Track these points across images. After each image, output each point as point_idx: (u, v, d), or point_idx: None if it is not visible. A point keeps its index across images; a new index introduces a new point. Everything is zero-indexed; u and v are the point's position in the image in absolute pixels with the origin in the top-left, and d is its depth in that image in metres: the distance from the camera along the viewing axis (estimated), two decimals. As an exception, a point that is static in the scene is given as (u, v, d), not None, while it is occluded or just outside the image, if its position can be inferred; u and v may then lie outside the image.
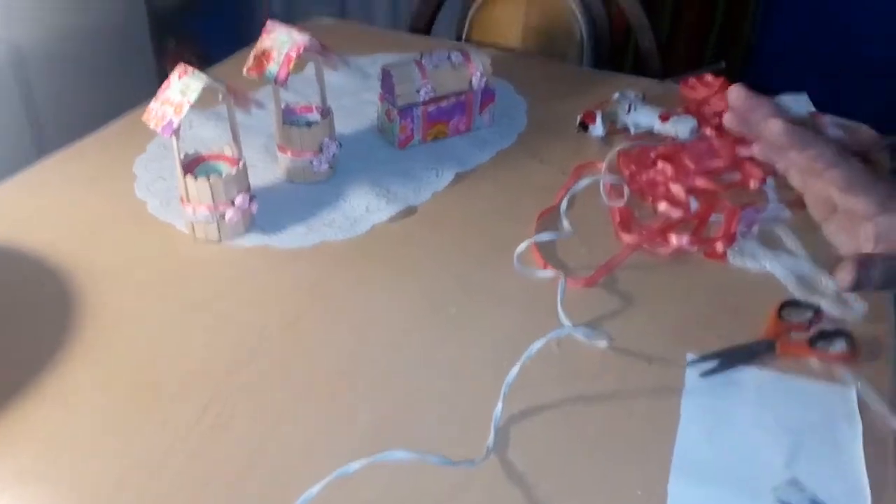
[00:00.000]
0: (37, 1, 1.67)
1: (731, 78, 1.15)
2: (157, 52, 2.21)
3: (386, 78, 0.98)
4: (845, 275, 0.51)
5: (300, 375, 0.68)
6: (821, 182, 0.55)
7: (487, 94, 1.04)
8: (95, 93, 1.83)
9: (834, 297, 0.77)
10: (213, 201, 0.79)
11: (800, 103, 1.11)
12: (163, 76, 0.78)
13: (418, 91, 0.97)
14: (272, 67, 0.85)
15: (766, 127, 0.54)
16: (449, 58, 1.00)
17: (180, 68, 0.77)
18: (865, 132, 1.05)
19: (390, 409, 0.65)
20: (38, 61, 1.71)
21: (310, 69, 0.93)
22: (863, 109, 1.22)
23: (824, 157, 0.53)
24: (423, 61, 0.99)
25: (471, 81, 1.01)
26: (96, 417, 0.64)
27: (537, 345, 0.64)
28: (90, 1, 1.83)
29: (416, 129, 1.00)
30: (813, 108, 1.11)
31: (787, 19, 2.36)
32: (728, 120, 0.58)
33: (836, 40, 2.30)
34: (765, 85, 1.18)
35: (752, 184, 0.95)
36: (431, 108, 1.00)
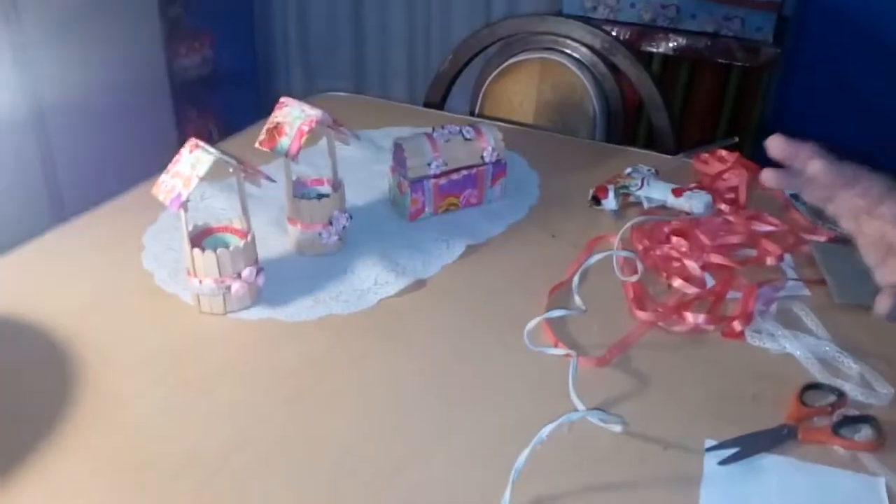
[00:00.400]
0: (59, 68, 1.72)
1: (745, 154, 1.15)
2: (178, 122, 2.26)
3: (397, 151, 0.98)
4: (885, 300, 0.49)
5: (299, 459, 0.65)
6: (873, 220, 0.52)
7: (499, 168, 1.03)
8: (115, 160, 1.86)
9: (858, 380, 0.74)
10: (220, 274, 0.78)
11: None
12: (182, 145, 0.79)
13: (429, 164, 0.97)
14: (284, 141, 0.85)
15: (809, 167, 0.52)
16: (461, 132, 1.00)
17: (191, 142, 0.78)
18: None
19: (394, 496, 0.62)
20: (59, 127, 1.75)
21: (323, 141, 0.93)
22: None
23: (872, 190, 0.51)
24: (434, 135, 0.99)
25: (482, 155, 1.01)
26: (84, 502, 0.61)
27: (548, 429, 0.61)
28: (113, 70, 1.89)
29: (428, 201, 1.00)
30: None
31: (801, 97, 2.38)
32: (766, 177, 0.56)
33: (850, 119, 2.31)
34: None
35: (769, 260, 0.93)
36: (443, 180, 1.00)
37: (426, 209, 1.01)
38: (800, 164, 0.53)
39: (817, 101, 2.34)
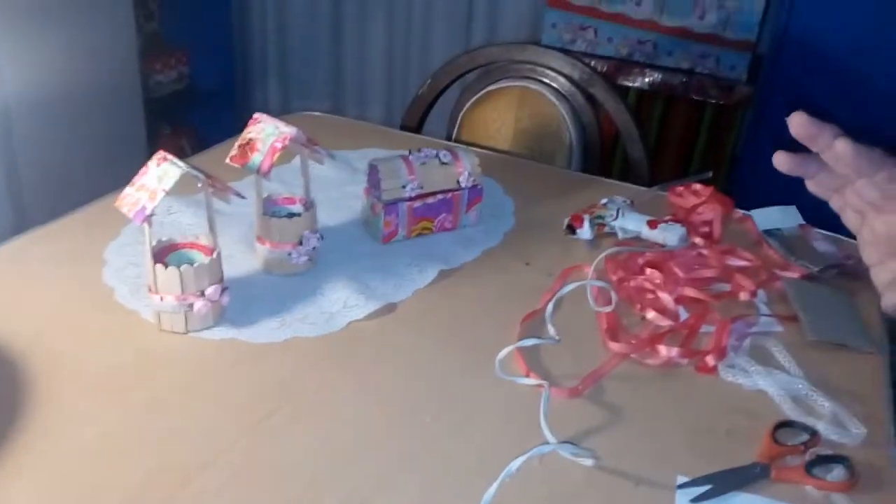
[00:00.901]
0: (30, 77, 1.68)
1: (718, 188, 1.16)
2: (149, 137, 2.22)
3: (372, 172, 0.97)
4: (891, 295, 0.47)
5: (261, 486, 0.62)
6: (883, 215, 0.49)
7: (475, 193, 1.02)
8: (82, 173, 1.83)
9: (831, 418, 0.73)
10: (182, 291, 0.76)
11: (788, 216, 1.11)
12: (152, 160, 0.76)
13: (404, 186, 0.96)
14: (256, 157, 0.83)
15: (836, 146, 0.49)
16: (437, 155, 0.99)
17: (159, 155, 0.75)
18: (854, 247, 1.04)
19: (354, 528, 0.59)
20: (27, 138, 1.70)
21: (297, 160, 0.91)
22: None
23: (894, 182, 0.48)
24: (410, 157, 0.98)
25: (458, 179, 1.00)
26: (29, 526, 0.58)
27: (518, 462, 0.59)
28: (87, 81, 1.85)
29: (401, 224, 0.98)
30: (802, 220, 1.10)
31: (774, 133, 2.42)
32: (778, 160, 0.53)
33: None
34: (751, 195, 1.18)
35: (743, 295, 0.92)
36: (417, 203, 0.98)
37: (399, 232, 0.99)
38: (821, 144, 0.50)
39: (788, 137, 2.38)
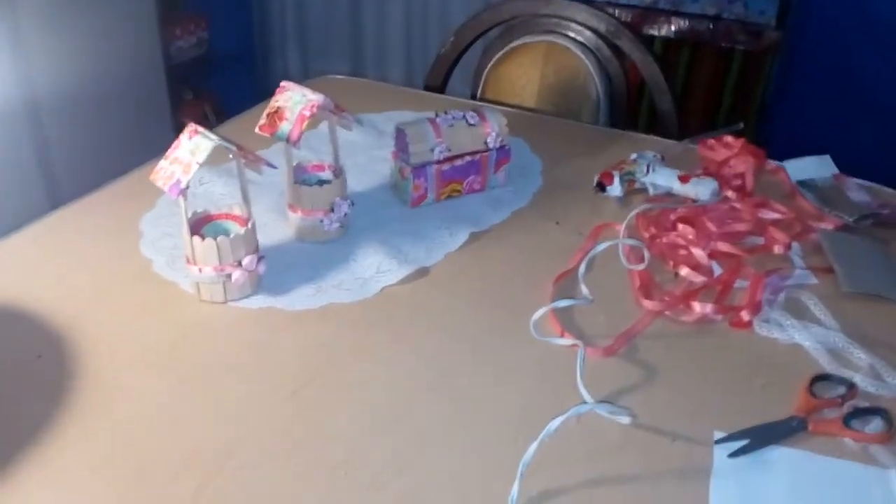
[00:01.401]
0: (54, 54, 1.69)
1: (747, 138, 1.14)
2: (173, 104, 2.23)
3: (400, 136, 0.97)
4: None
5: (301, 453, 0.64)
6: None
7: (503, 154, 1.02)
8: (111, 144, 1.84)
9: (868, 371, 0.73)
10: (220, 262, 0.77)
11: (822, 165, 1.09)
12: (179, 128, 0.77)
13: (432, 150, 0.96)
14: (285, 126, 0.83)
15: None
16: (464, 117, 0.99)
17: (191, 128, 0.76)
18: (892, 196, 1.02)
19: (397, 490, 0.61)
20: (53, 113, 1.72)
21: (324, 125, 0.91)
22: (882, 165, 1.19)
23: None
24: (437, 120, 0.97)
25: (486, 141, 0.99)
26: (83, 500, 0.60)
27: (556, 422, 0.60)
28: (107, 54, 1.86)
29: (430, 187, 0.98)
30: (836, 170, 1.08)
31: (803, 80, 2.36)
32: None
33: (852, 103, 2.30)
34: (782, 145, 1.16)
35: (777, 249, 0.91)
36: (446, 166, 0.98)
37: (428, 195, 0.99)
38: None
39: (818, 84, 2.33)
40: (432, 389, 0.71)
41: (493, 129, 0.99)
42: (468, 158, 0.99)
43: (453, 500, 0.61)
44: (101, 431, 0.66)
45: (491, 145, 1.00)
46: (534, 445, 0.60)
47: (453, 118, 0.98)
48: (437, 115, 0.98)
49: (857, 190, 1.04)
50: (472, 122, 0.98)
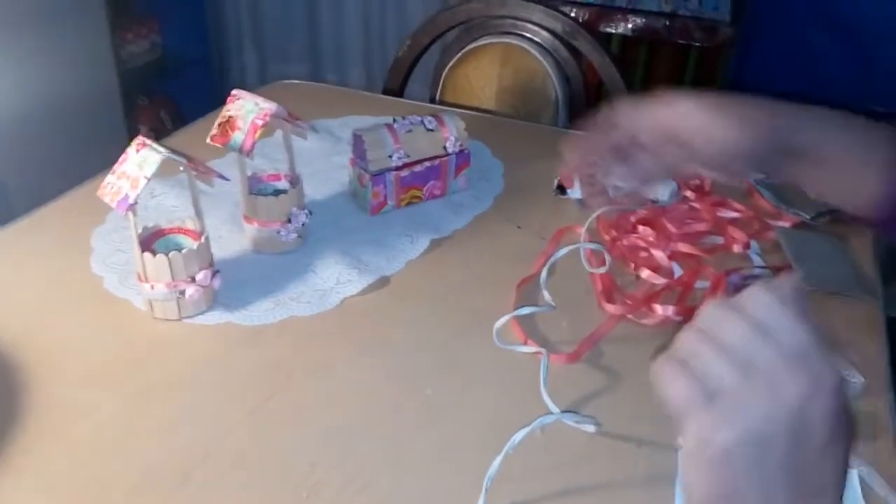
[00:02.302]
0: (3, 59, 1.64)
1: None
2: (127, 110, 2.18)
3: (357, 143, 0.95)
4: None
5: (262, 473, 0.63)
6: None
7: (462, 158, 1.01)
8: (64, 153, 1.79)
9: (828, 369, 0.74)
10: (173, 278, 0.75)
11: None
12: (133, 134, 0.74)
13: (391, 156, 0.94)
14: (237, 136, 0.81)
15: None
16: (422, 122, 0.97)
17: (138, 141, 0.73)
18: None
19: (362, 507, 0.60)
20: (2, 123, 1.67)
21: (279, 133, 0.89)
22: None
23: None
24: (395, 126, 0.96)
25: (445, 145, 0.98)
26: (36, 525, 0.58)
27: (521, 434, 0.59)
28: (57, 60, 1.80)
29: (390, 194, 0.97)
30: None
31: (758, 75, 2.40)
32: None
33: (807, 92, 2.34)
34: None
35: (736, 248, 0.92)
36: (405, 173, 0.97)
37: (388, 202, 0.98)
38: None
39: (773, 79, 2.36)
40: (395, 403, 0.70)
41: (451, 134, 0.98)
42: (427, 164, 0.98)
43: (418, 517, 0.59)
44: (55, 453, 0.63)
45: (450, 150, 0.99)
46: (498, 459, 0.59)
47: (411, 123, 0.97)
48: (394, 121, 0.97)
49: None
50: (430, 127, 0.97)
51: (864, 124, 0.61)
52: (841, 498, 0.39)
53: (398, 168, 0.96)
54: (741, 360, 0.39)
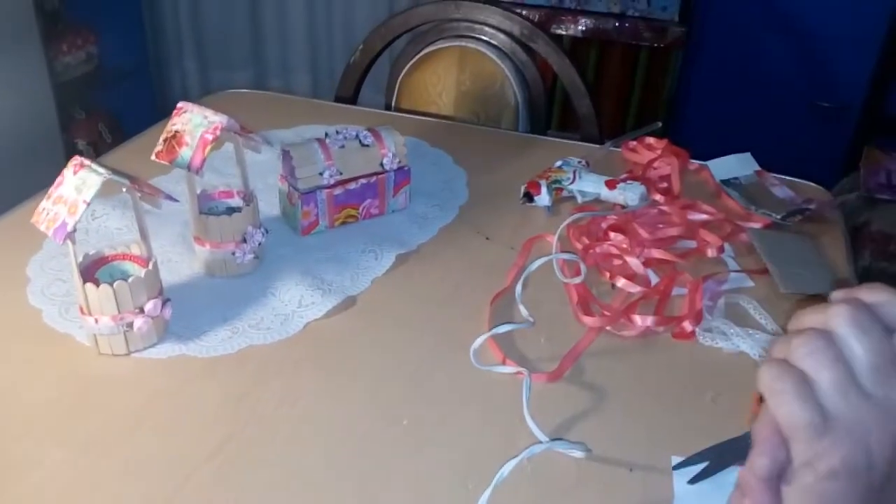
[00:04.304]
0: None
1: (660, 133, 1.13)
2: (63, 124, 2.07)
3: (286, 158, 0.88)
4: None
5: (230, 520, 0.57)
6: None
7: (402, 175, 0.94)
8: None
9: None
10: (119, 310, 0.68)
11: (744, 163, 1.08)
12: (71, 149, 0.68)
13: (321, 173, 0.88)
14: (185, 152, 0.75)
15: None
16: (357, 136, 0.91)
17: (75, 162, 0.67)
18: (815, 191, 1.02)
19: (340, 556, 0.55)
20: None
21: (229, 146, 0.83)
22: (787, 156, 1.21)
23: None
24: (327, 141, 0.89)
25: (382, 162, 0.92)
26: None
27: (508, 467, 0.55)
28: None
29: (322, 213, 0.91)
30: (757, 167, 1.08)
31: (707, 74, 2.42)
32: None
33: (755, 94, 2.37)
34: (692, 140, 1.16)
35: (710, 252, 0.90)
36: (338, 191, 0.90)
37: (320, 222, 0.91)
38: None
39: (723, 77, 2.38)
40: (369, 435, 0.65)
41: (389, 150, 0.92)
42: (363, 181, 0.92)
43: (402, 563, 0.55)
44: (-12, 520, 0.57)
45: (387, 167, 0.93)
46: (487, 492, 0.55)
47: (345, 138, 0.90)
48: (326, 136, 0.90)
49: (780, 185, 1.04)
50: (365, 142, 0.91)
51: None
52: None
53: (330, 186, 0.90)
54: (873, 379, 0.36)
